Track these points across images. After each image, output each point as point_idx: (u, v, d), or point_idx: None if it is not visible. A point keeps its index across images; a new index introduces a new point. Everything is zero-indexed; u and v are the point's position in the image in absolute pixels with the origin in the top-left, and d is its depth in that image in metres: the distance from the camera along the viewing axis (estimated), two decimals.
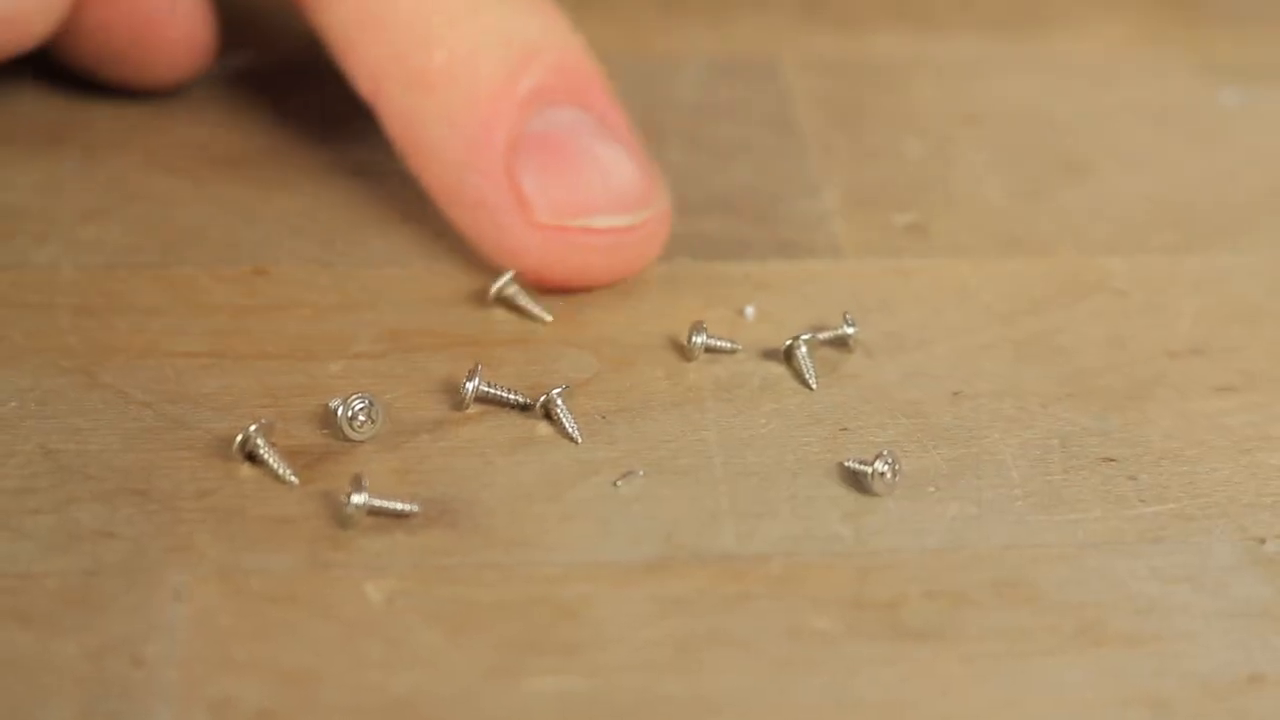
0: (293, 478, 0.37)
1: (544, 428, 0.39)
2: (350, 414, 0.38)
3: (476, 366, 0.39)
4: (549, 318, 0.41)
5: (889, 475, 0.37)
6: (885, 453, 0.37)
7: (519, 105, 0.41)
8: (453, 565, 0.35)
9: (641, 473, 0.38)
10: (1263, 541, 0.37)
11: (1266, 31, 0.55)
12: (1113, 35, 0.55)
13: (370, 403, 0.38)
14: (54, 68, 0.48)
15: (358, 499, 0.36)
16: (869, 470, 0.37)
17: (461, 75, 0.41)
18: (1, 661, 0.33)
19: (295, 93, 0.49)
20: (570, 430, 0.38)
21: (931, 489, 0.38)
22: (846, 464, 0.38)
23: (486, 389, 0.39)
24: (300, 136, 0.48)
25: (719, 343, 0.41)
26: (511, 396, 0.39)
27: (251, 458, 0.37)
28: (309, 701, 0.33)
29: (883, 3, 0.56)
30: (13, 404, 0.38)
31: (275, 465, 0.37)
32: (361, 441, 0.38)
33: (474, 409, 0.39)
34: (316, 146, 0.47)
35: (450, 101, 0.41)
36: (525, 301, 0.41)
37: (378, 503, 0.36)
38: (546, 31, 0.42)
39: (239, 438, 0.37)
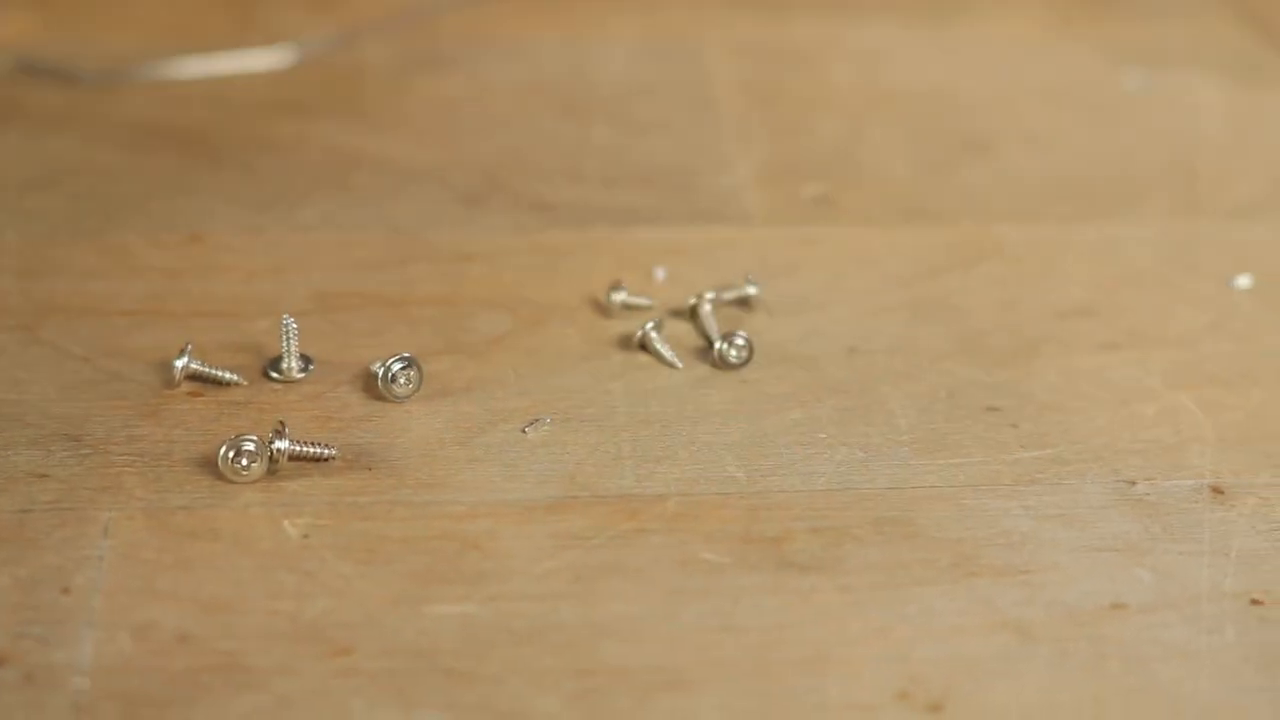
0: (234, 378, 0.40)
1: (460, 381, 0.41)
2: (390, 375, 0.40)
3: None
4: (680, 364, 0.42)
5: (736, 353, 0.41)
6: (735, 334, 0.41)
7: None
8: (366, 504, 0.37)
9: (549, 420, 0.40)
10: (1133, 483, 0.39)
11: (1168, 21, 0.58)
12: (1021, 23, 0.58)
13: (410, 362, 0.40)
14: None
15: (280, 445, 0.38)
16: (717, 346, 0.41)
17: None
18: None
19: (229, 76, 0.51)
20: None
21: (822, 435, 0.40)
22: None
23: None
24: (236, 114, 0.50)
25: (636, 300, 0.43)
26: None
27: (192, 378, 0.40)
28: (226, 626, 0.35)
29: None
30: None
31: (216, 373, 0.40)
32: (404, 400, 0.40)
33: None
34: (251, 123, 0.49)
35: None
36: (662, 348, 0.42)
37: (299, 448, 0.38)
38: None
39: (178, 364, 0.40)
